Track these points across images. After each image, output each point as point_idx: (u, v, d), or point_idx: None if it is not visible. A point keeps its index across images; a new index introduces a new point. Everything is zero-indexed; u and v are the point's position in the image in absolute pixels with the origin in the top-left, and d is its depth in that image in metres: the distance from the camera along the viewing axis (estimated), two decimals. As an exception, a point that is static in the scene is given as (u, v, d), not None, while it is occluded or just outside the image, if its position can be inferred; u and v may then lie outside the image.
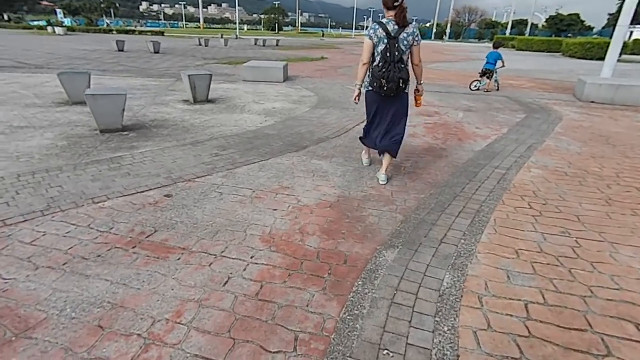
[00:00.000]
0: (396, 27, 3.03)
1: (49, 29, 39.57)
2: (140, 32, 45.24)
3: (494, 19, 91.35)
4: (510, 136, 5.36)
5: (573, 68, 17.68)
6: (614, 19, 69.43)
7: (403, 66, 3.09)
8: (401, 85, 3.11)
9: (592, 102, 8.17)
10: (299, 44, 32.75)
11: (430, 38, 75.97)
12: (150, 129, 5.14)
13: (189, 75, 6.64)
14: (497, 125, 6.03)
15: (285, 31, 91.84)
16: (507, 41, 42.59)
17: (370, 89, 3.29)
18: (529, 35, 51.93)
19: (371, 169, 3.93)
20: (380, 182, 3.55)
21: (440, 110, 7.07)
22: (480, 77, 9.42)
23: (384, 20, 3.09)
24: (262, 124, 5.62)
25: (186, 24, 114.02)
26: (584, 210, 3.11)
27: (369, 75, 3.28)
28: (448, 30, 77.74)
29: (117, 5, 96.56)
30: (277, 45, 28.94)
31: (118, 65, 12.74)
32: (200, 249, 2.38)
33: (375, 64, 3.17)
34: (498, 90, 9.47)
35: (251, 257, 2.31)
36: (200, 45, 25.54)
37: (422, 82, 3.43)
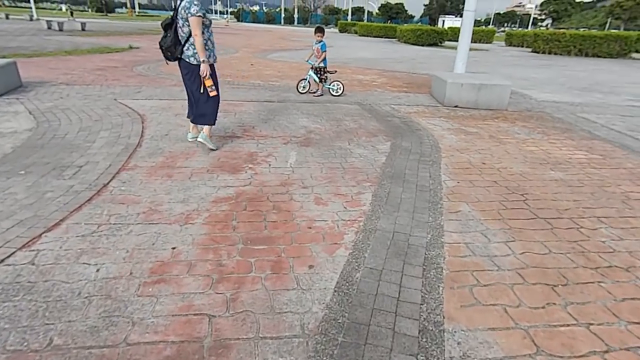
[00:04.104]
0: (180, 1, 3.38)
1: None
2: None
3: (335, 6, 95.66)
4: (380, 223, 2.62)
5: (412, 55, 17.39)
6: (427, 9, 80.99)
7: (167, 35, 3.44)
8: (165, 51, 3.47)
9: (456, 106, 6.45)
10: (121, 28, 25.47)
11: (279, 23, 74.16)
12: None
13: None
14: (353, 183, 3.29)
15: (118, 13, 76.22)
16: (350, 27, 43.74)
17: None
18: (367, 21, 54.99)
19: None
20: (189, 139, 4.00)
21: (260, 148, 4.02)
22: (320, 80, 6.74)
23: None
24: None
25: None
26: None
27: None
28: (296, 16, 77.37)
29: None
30: (82, 29, 21.54)
31: None
32: None
33: None
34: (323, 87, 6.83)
35: None
36: None
37: (202, 59, 3.41)
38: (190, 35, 3.40)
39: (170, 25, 3.44)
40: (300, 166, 3.59)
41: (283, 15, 78.13)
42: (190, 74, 3.56)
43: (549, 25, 79.10)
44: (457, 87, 6.38)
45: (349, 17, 58.42)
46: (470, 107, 6.41)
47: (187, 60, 3.50)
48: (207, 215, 2.64)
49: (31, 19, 28.64)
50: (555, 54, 21.29)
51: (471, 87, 6.35)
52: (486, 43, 32.92)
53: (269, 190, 3.07)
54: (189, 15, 3.29)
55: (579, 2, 79.59)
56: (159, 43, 3.52)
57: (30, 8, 32.11)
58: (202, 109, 3.70)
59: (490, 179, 3.50)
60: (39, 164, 3.34)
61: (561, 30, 25.24)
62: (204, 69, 3.43)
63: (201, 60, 3.41)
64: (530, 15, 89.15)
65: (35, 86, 6.33)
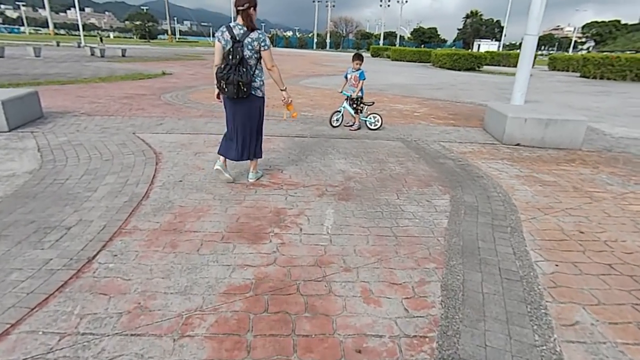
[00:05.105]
0: (242, 31, 3.11)
1: None
2: None
3: (367, 31, 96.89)
4: (462, 345, 1.75)
5: (451, 81, 16.50)
6: (461, 33, 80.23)
7: (244, 70, 3.13)
8: (241, 87, 3.13)
9: (518, 144, 5.50)
10: (159, 54, 26.54)
11: (312, 47, 75.76)
12: None
13: None
14: (411, 262, 2.45)
15: (160, 39, 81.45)
16: (382, 51, 43.59)
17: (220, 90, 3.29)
18: (399, 45, 54.80)
19: None
20: (249, 179, 3.68)
21: (289, 203, 3.28)
22: (355, 111, 6.03)
23: (232, 24, 3.17)
24: None
25: (35, 29, 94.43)
26: None
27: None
28: (328, 40, 78.87)
29: None
30: (122, 55, 22.52)
31: None
32: None
33: (220, 65, 3.19)
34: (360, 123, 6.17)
35: None
36: (-7, 56, 17.91)
37: (283, 87, 3.47)
38: (255, 67, 3.28)
39: (242, 60, 3.13)
40: (340, 232, 2.80)
41: (315, 40, 79.86)
42: (255, 106, 3.42)
43: (590, 49, 75.66)
44: (519, 122, 5.44)
45: (381, 42, 58.57)
46: (535, 145, 5.43)
47: (254, 92, 3.33)
48: (214, 321, 1.87)
49: (79, 46, 30.47)
50: (608, 79, 19.67)
51: (537, 123, 5.39)
52: (526, 67, 31.37)
53: (299, 273, 2.28)
54: (265, 48, 3.21)
55: (625, 25, 75.97)
56: (227, 79, 3.10)
57: (79, 36, 34.31)
58: (259, 143, 3.63)
59: (601, 260, 2.54)
60: (20, 223, 2.75)
61: (614, 53, 23.54)
62: (287, 96, 3.50)
63: (283, 88, 3.48)
64: (570, 38, 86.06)
65: (56, 117, 6.04)
